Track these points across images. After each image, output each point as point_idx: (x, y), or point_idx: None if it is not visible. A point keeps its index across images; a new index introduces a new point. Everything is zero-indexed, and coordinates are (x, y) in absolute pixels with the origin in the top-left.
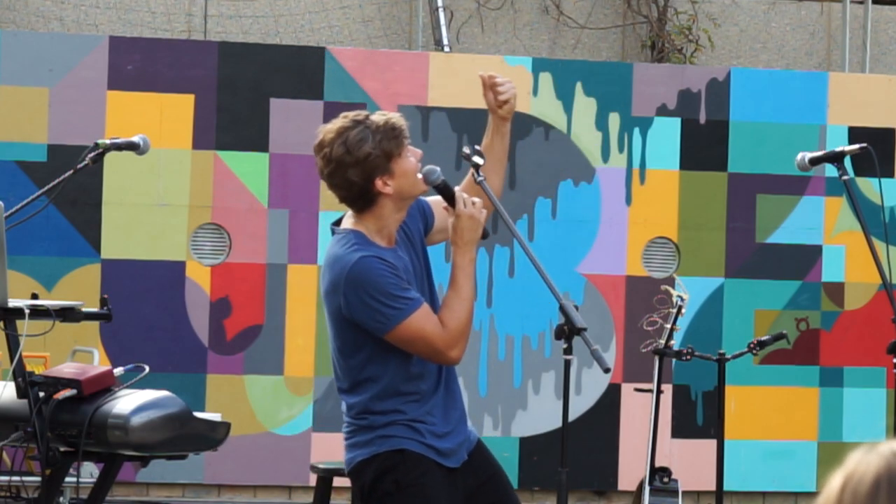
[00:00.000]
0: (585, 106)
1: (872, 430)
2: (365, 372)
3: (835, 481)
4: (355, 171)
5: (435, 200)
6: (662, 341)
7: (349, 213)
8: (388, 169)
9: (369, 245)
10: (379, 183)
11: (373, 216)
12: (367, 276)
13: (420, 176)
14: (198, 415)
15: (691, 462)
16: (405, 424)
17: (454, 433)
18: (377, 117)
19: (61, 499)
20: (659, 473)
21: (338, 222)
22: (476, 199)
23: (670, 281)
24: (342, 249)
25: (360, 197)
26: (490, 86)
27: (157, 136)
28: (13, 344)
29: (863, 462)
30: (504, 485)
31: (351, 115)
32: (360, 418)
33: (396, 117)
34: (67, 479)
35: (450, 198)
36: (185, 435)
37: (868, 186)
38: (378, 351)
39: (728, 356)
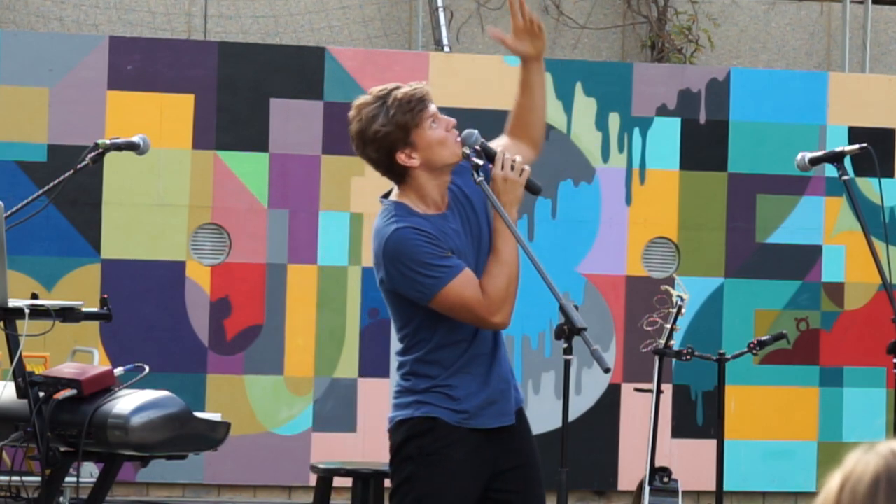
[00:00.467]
0: (585, 106)
1: (872, 430)
2: (416, 337)
3: (833, 480)
4: (373, 148)
5: (503, 144)
6: (662, 341)
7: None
8: (408, 142)
9: (409, 216)
10: (402, 157)
11: (410, 188)
12: (402, 248)
13: (458, 140)
14: (198, 415)
15: (691, 462)
16: (443, 393)
17: (492, 395)
18: (400, 91)
19: (61, 499)
20: (659, 473)
21: (387, 194)
22: (516, 157)
23: (670, 281)
24: (382, 222)
25: (389, 171)
26: (520, 7)
27: (157, 136)
28: (13, 344)
29: (861, 461)
30: (528, 480)
31: (377, 88)
32: (405, 379)
33: (418, 88)
34: (67, 479)
35: (491, 158)
36: (185, 435)
37: (868, 186)
38: (427, 318)
39: (728, 356)
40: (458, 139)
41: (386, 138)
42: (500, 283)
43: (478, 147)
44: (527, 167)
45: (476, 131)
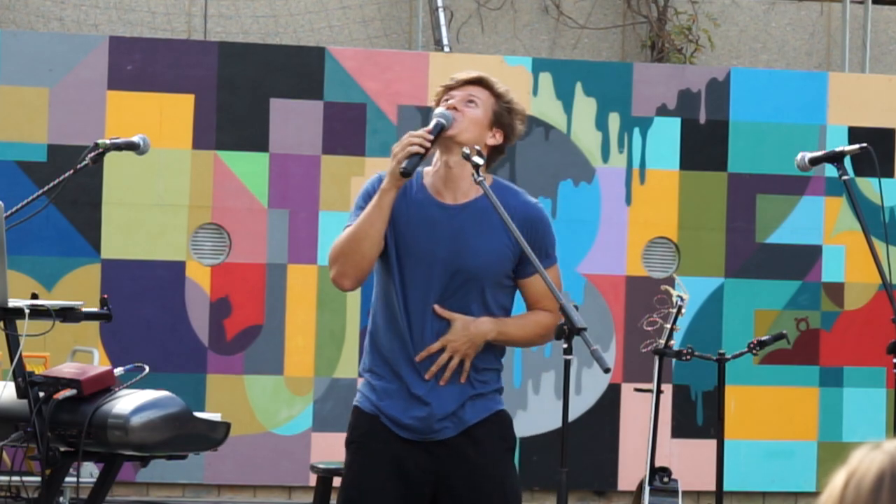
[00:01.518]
0: (585, 106)
1: (872, 430)
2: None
3: (838, 478)
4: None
5: (536, 288)
6: (662, 341)
7: None
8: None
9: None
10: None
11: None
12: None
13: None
14: (198, 415)
15: (691, 462)
16: (368, 380)
17: (418, 405)
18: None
19: (61, 499)
20: (659, 473)
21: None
22: (406, 140)
23: (670, 281)
24: None
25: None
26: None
27: (157, 136)
28: (13, 344)
29: (866, 459)
30: None
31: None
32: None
33: (462, 77)
34: (67, 479)
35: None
36: (185, 435)
37: (868, 186)
38: (377, 289)
39: (728, 356)
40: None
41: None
42: (340, 239)
43: (437, 121)
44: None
45: (443, 112)
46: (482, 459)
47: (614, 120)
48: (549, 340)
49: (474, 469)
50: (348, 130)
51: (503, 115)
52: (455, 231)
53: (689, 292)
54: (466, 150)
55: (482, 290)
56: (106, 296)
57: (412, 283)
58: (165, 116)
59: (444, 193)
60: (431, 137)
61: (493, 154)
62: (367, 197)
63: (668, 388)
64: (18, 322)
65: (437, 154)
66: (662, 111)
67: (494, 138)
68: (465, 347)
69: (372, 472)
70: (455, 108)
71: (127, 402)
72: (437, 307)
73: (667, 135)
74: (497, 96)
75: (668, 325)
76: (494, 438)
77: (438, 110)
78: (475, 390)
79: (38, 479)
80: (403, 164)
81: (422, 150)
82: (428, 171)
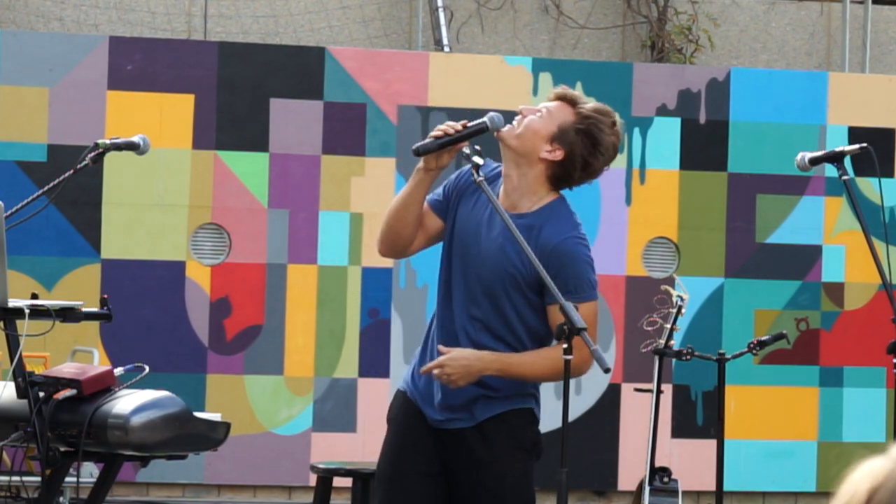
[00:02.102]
0: None
1: (872, 430)
2: None
3: (860, 488)
4: None
5: (553, 318)
6: (662, 341)
7: None
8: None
9: (495, 174)
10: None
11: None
12: None
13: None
14: (198, 415)
15: (691, 462)
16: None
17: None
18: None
19: (61, 499)
20: (659, 473)
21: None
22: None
23: (670, 281)
24: None
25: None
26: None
27: (157, 136)
28: (13, 344)
29: (893, 476)
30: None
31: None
32: None
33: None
34: (67, 479)
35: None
36: (185, 435)
37: (868, 186)
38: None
39: (728, 356)
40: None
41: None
42: (386, 214)
43: (480, 123)
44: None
45: (495, 116)
46: (487, 454)
47: None
48: (575, 375)
49: (479, 462)
50: (348, 130)
51: (569, 133)
52: (493, 239)
53: (689, 292)
54: (466, 150)
55: (496, 300)
56: (106, 296)
57: (455, 282)
58: (165, 116)
59: (504, 201)
60: (460, 128)
61: (558, 172)
62: (452, 181)
63: (668, 388)
64: (18, 322)
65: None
66: (662, 111)
67: (552, 154)
68: (457, 376)
69: (401, 447)
70: (521, 114)
71: (127, 402)
72: (440, 346)
73: (667, 135)
74: (578, 114)
75: (668, 325)
76: (503, 435)
77: (493, 113)
78: (484, 392)
79: (38, 479)
80: (418, 144)
81: (443, 137)
82: (506, 174)
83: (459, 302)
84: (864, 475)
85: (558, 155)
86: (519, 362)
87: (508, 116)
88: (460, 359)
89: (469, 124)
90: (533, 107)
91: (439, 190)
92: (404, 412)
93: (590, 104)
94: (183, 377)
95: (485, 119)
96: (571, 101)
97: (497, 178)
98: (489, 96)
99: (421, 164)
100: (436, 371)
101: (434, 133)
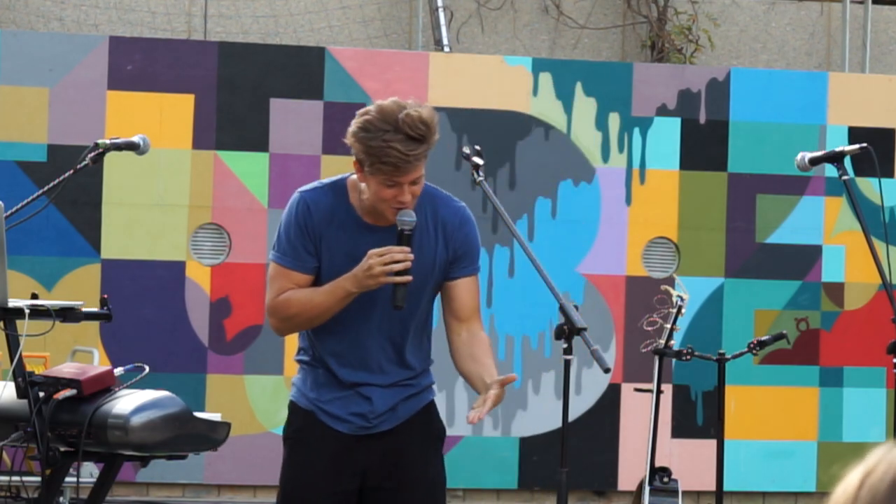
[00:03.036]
0: (585, 106)
1: (872, 430)
2: None
3: (853, 477)
4: (349, 137)
5: (462, 291)
6: (662, 341)
7: None
8: (364, 166)
9: (336, 194)
10: (356, 165)
11: (363, 184)
12: (288, 209)
13: (394, 211)
14: (198, 415)
15: (691, 462)
16: (305, 369)
17: (357, 399)
18: (400, 135)
19: (61, 499)
20: (659, 473)
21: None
22: (387, 258)
23: (670, 281)
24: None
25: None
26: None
27: (157, 136)
28: (13, 344)
29: (884, 460)
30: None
31: (404, 112)
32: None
33: (409, 155)
34: (67, 479)
35: (406, 241)
36: (185, 435)
37: (868, 186)
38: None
39: (728, 356)
40: (394, 210)
41: (354, 144)
42: (292, 306)
43: (404, 233)
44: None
45: (411, 220)
46: (410, 448)
47: (614, 120)
48: None
49: (401, 458)
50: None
51: (433, 145)
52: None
53: (689, 292)
54: (466, 150)
55: (420, 301)
56: (106, 296)
57: (354, 306)
58: (165, 116)
59: (381, 220)
60: (400, 258)
61: None
62: (298, 231)
63: (668, 388)
64: (18, 322)
65: (366, 193)
66: (662, 111)
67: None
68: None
69: (308, 467)
70: (402, 203)
71: (127, 402)
72: (471, 417)
73: (667, 135)
74: (430, 144)
75: (668, 325)
76: (422, 429)
77: (406, 218)
78: (411, 391)
79: (38, 479)
80: (398, 301)
81: (398, 272)
82: (354, 186)
83: (362, 320)
84: (858, 467)
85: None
86: (492, 365)
87: (508, 116)
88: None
89: (406, 248)
90: (409, 184)
91: (300, 253)
92: (323, 444)
93: (432, 131)
94: (183, 377)
95: (407, 227)
96: (429, 145)
97: (337, 197)
98: (489, 96)
99: (357, 287)
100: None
101: (398, 279)
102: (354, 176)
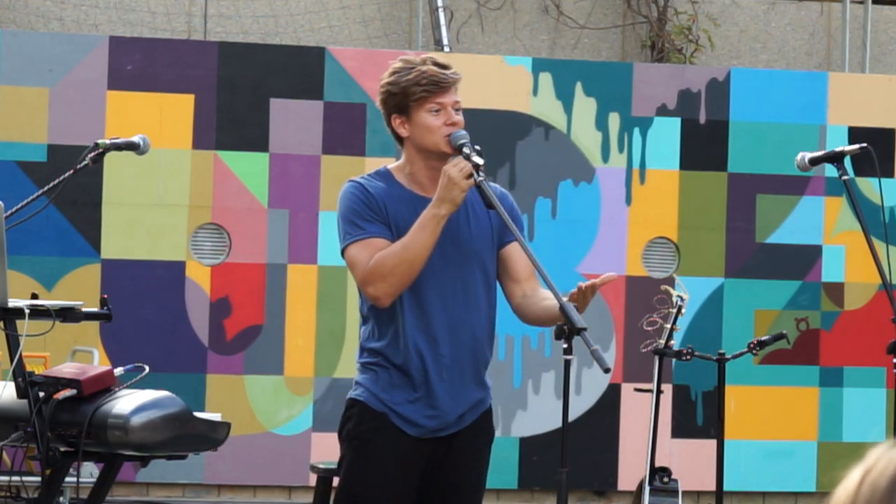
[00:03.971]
0: (585, 106)
1: (872, 430)
2: (365, 304)
3: (853, 475)
4: (380, 100)
5: (517, 250)
6: (662, 341)
7: None
8: (405, 112)
9: (380, 178)
10: (396, 122)
11: (404, 159)
12: (342, 198)
13: (446, 136)
14: (198, 415)
15: (691, 462)
16: (375, 371)
17: (435, 404)
18: (431, 67)
19: (61, 499)
20: (659, 473)
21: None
22: (462, 165)
23: (670, 281)
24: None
25: (391, 131)
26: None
27: (157, 136)
28: (13, 344)
29: (884, 458)
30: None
31: (424, 55)
32: (359, 353)
33: (447, 75)
34: (67, 479)
35: (476, 168)
36: (185, 435)
37: (868, 186)
38: None
39: (728, 356)
40: (447, 135)
41: (389, 98)
42: (386, 260)
43: (456, 146)
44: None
45: (465, 134)
46: (469, 452)
47: (614, 120)
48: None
49: (462, 460)
50: (348, 130)
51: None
52: (450, 223)
53: (689, 292)
54: (467, 150)
55: (484, 265)
56: (106, 296)
57: (426, 278)
58: (165, 116)
59: (430, 189)
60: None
61: None
62: (365, 206)
63: (668, 388)
64: (18, 322)
65: (415, 152)
66: (662, 111)
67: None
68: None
69: (378, 469)
70: (453, 125)
71: (127, 402)
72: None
73: (667, 135)
74: (459, 80)
75: (668, 325)
76: (481, 433)
77: (461, 132)
78: (482, 394)
79: (38, 479)
80: (488, 201)
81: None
82: (397, 168)
83: (435, 295)
84: (861, 462)
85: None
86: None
87: (508, 116)
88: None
89: (475, 155)
90: (452, 114)
91: (374, 222)
92: (392, 447)
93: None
94: (183, 377)
95: (466, 142)
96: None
97: (387, 180)
98: (489, 96)
99: (447, 208)
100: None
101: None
102: (392, 164)
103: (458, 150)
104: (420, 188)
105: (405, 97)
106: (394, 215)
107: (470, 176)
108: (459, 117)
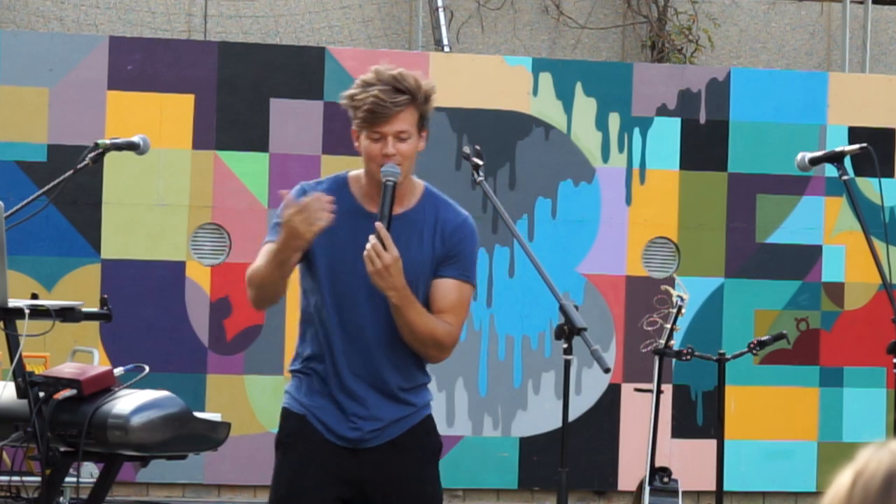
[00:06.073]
0: (585, 106)
1: (872, 430)
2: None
3: (844, 477)
4: (344, 101)
5: (442, 290)
6: (662, 341)
7: None
8: (353, 125)
9: (336, 186)
10: (353, 134)
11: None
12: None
13: (379, 166)
14: (198, 415)
15: (691, 462)
16: (299, 378)
17: (352, 415)
18: (377, 91)
19: (61, 499)
20: (659, 473)
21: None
22: (306, 214)
23: (670, 281)
24: None
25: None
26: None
27: (157, 136)
28: (13, 344)
29: (874, 459)
30: None
31: (389, 73)
32: (292, 360)
33: (392, 97)
34: (67, 479)
35: (386, 210)
36: (185, 435)
37: (868, 186)
38: (304, 287)
39: (728, 356)
40: (380, 165)
41: (347, 110)
42: (253, 275)
43: (386, 185)
44: (388, 269)
45: (395, 172)
46: (403, 466)
47: (614, 120)
48: (434, 358)
49: (396, 475)
50: (348, 130)
51: (426, 113)
52: (398, 243)
53: (689, 292)
54: (466, 150)
55: (416, 291)
56: (106, 296)
57: (345, 295)
58: (165, 116)
59: (375, 203)
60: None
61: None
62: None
63: (668, 388)
64: (18, 322)
65: (367, 167)
66: (662, 111)
67: (424, 141)
68: (386, 275)
69: (302, 473)
70: (387, 157)
71: (127, 402)
72: (378, 224)
73: (667, 135)
74: (417, 102)
75: (668, 325)
76: (416, 446)
77: (389, 169)
78: (404, 413)
79: (38, 479)
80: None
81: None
82: (355, 177)
83: (353, 311)
84: (852, 464)
85: (425, 137)
86: (420, 310)
87: (508, 116)
88: (393, 258)
89: (387, 200)
90: (392, 134)
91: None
92: (302, 435)
93: (412, 81)
94: (183, 377)
95: (390, 180)
96: (413, 94)
97: (339, 189)
98: (489, 96)
99: (283, 256)
100: (373, 260)
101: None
102: (355, 171)
103: (382, 185)
104: (369, 202)
105: (353, 114)
106: (330, 226)
107: (315, 222)
108: (402, 146)
